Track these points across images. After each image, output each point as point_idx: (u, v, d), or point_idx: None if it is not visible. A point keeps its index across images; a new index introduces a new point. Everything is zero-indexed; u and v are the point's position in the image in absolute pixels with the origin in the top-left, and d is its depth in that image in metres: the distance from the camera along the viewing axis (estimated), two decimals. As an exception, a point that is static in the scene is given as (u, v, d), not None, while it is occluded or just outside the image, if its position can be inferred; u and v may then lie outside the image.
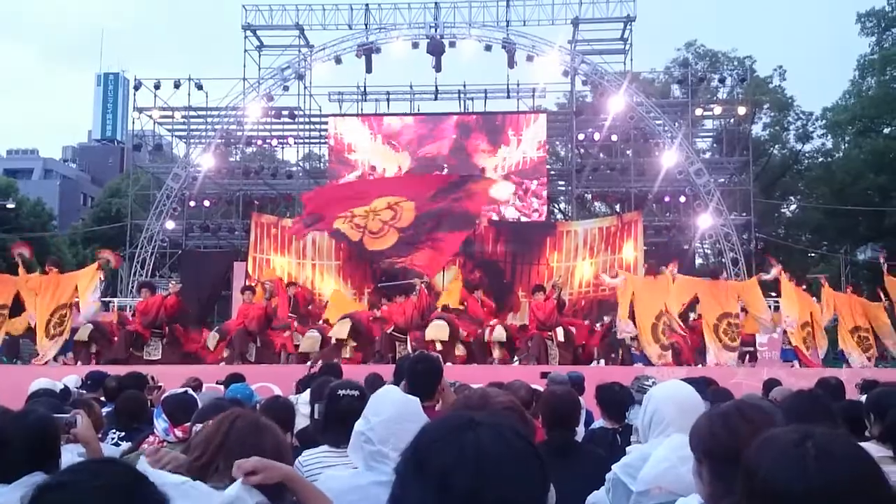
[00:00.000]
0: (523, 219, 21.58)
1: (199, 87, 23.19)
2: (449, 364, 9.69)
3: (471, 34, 22.20)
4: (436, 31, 21.98)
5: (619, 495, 2.61)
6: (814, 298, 13.28)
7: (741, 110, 23.56)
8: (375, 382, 5.00)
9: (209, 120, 23.57)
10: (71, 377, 7.69)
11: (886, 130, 30.22)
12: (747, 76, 26.99)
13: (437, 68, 22.28)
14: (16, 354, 13.00)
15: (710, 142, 28.73)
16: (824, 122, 31.96)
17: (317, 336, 12.47)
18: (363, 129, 22.51)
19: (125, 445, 4.10)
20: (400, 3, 22.62)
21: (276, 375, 9.81)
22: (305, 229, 17.42)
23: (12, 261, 12.72)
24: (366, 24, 22.79)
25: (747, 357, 12.89)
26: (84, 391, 6.73)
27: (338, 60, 22.53)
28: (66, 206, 48.17)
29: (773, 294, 13.48)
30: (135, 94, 23.93)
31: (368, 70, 22.59)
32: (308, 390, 4.78)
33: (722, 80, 25.86)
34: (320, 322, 13.75)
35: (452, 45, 22.01)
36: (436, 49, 21.68)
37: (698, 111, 23.79)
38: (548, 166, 24.10)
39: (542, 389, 5.03)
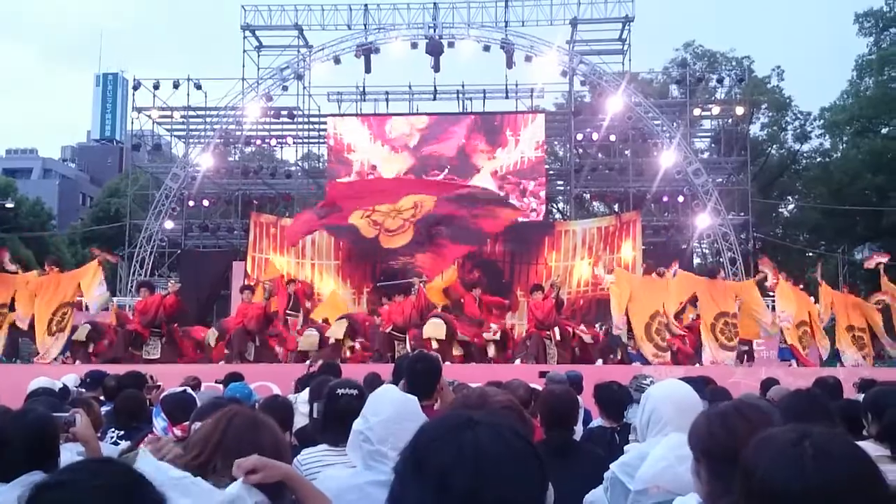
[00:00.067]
0: (521, 218, 21.59)
1: (199, 87, 23.19)
2: (448, 363, 9.69)
3: (469, 34, 22.21)
4: (434, 31, 21.98)
5: (617, 494, 2.62)
6: (812, 298, 13.30)
7: (739, 110, 23.59)
8: (374, 382, 5.00)
9: (208, 120, 23.56)
10: (70, 376, 7.69)
11: (884, 130, 30.26)
12: (745, 76, 27.03)
13: (436, 68, 22.30)
14: (15, 353, 12.99)
15: (709, 142, 28.76)
16: (822, 122, 31.98)
17: (315, 335, 12.47)
18: (362, 129, 22.51)
19: (124, 444, 4.10)
20: (399, 4, 22.65)
21: (275, 374, 9.82)
22: (300, 235, 17.45)
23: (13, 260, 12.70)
24: (365, 25, 22.79)
25: (745, 357, 12.89)
26: (83, 390, 6.73)
27: (337, 61, 22.53)
28: (65, 205, 48.16)
29: (771, 294, 13.48)
30: (134, 94, 23.97)
31: (367, 70, 22.60)
32: (307, 389, 4.78)
33: (720, 81, 25.91)
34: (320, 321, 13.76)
35: (451, 45, 22.02)
36: (434, 49, 21.69)
37: (696, 111, 23.81)
38: (546, 166, 24.11)
39: (540, 389, 5.03)
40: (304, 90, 23.72)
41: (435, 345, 11.28)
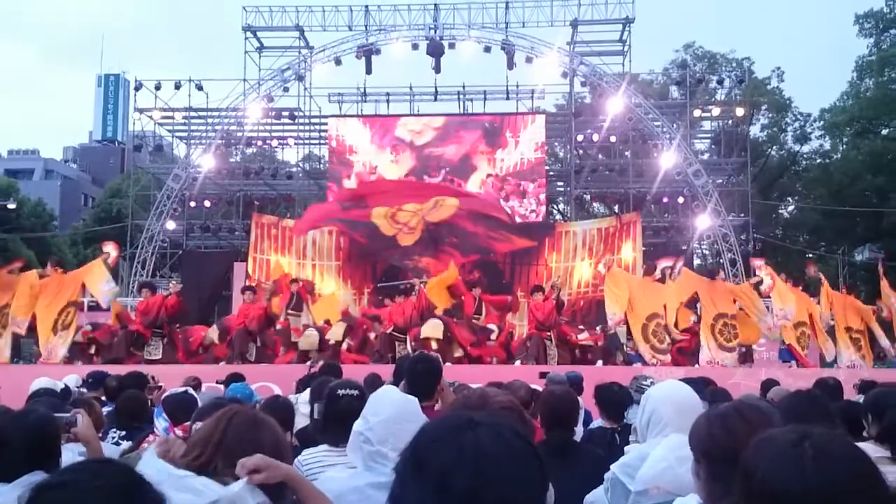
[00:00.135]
0: (518, 219, 21.61)
1: (200, 88, 23.21)
2: (448, 364, 9.69)
3: (470, 35, 22.22)
4: (435, 32, 22.00)
5: (617, 495, 2.62)
6: (813, 299, 13.29)
7: (739, 111, 23.59)
8: (375, 382, 5.01)
9: (209, 121, 23.60)
10: (71, 377, 7.69)
11: (884, 132, 30.27)
12: (745, 77, 27.02)
13: (437, 69, 22.32)
14: (16, 354, 13.00)
15: (709, 143, 28.76)
16: (822, 123, 32.00)
17: (315, 334, 12.48)
18: (364, 131, 22.53)
19: (125, 445, 4.11)
20: (400, 5, 22.68)
21: (276, 375, 9.82)
22: (316, 224, 17.71)
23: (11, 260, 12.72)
24: (365, 26, 22.81)
25: (744, 358, 12.88)
26: (85, 390, 6.74)
27: (338, 62, 22.55)
28: (67, 206, 48.16)
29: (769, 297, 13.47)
30: (135, 95, 24.01)
31: (368, 71, 22.62)
32: (308, 390, 4.79)
33: (720, 82, 25.93)
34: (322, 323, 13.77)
35: (452, 46, 22.03)
36: (435, 50, 21.70)
37: (697, 112, 23.81)
38: (547, 167, 24.13)
39: (540, 389, 5.04)
40: (305, 91, 23.76)
41: (435, 345, 11.28)
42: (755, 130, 31.91)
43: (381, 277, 18.32)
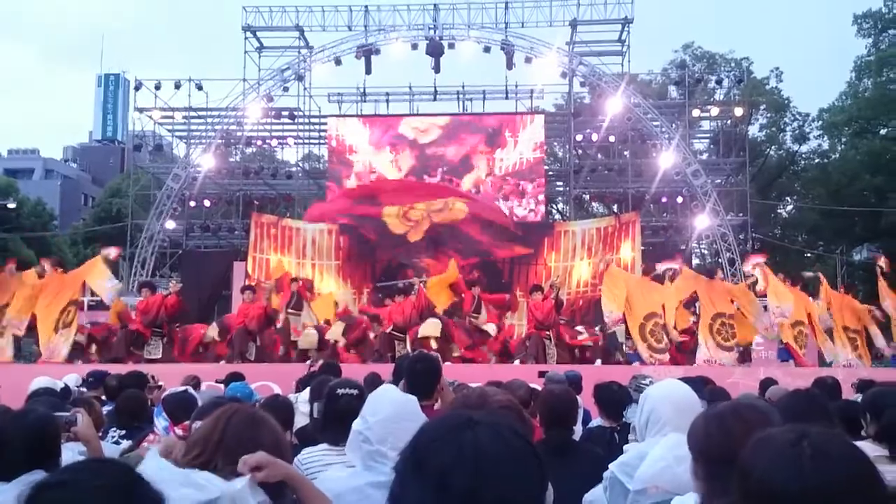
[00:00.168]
0: (517, 219, 21.64)
1: (200, 88, 23.20)
2: (448, 363, 9.70)
3: (469, 36, 22.22)
4: (435, 32, 21.99)
5: (616, 494, 2.63)
6: (811, 299, 13.29)
7: (738, 111, 23.60)
8: (375, 381, 5.01)
9: (209, 120, 23.60)
10: (71, 376, 7.68)
11: (883, 132, 30.28)
12: (744, 77, 27.08)
13: (437, 69, 22.32)
14: (16, 353, 12.98)
15: (707, 143, 28.76)
16: (821, 123, 32.02)
17: (314, 334, 12.49)
18: (364, 130, 22.53)
19: (125, 444, 4.11)
20: (399, 5, 22.68)
21: (276, 374, 9.82)
22: (326, 217, 18.41)
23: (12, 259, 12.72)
24: (365, 26, 22.81)
25: (742, 357, 12.89)
26: (84, 390, 6.74)
27: (337, 62, 22.55)
28: (67, 205, 48.14)
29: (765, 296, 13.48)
30: (135, 95, 24.00)
31: (368, 71, 22.62)
32: (307, 389, 4.79)
33: (719, 82, 25.96)
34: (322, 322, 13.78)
35: (451, 46, 22.03)
36: (435, 50, 21.70)
37: (695, 112, 23.81)
38: (546, 167, 24.14)
39: (539, 389, 5.04)
40: (304, 91, 23.76)
41: (434, 344, 11.29)
42: (754, 130, 31.97)
43: (380, 277, 18.33)
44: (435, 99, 23.60)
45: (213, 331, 12.57)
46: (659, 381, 3.24)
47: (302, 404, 4.59)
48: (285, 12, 23.48)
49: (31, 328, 12.10)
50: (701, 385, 4.72)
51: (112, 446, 3.95)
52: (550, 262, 18.80)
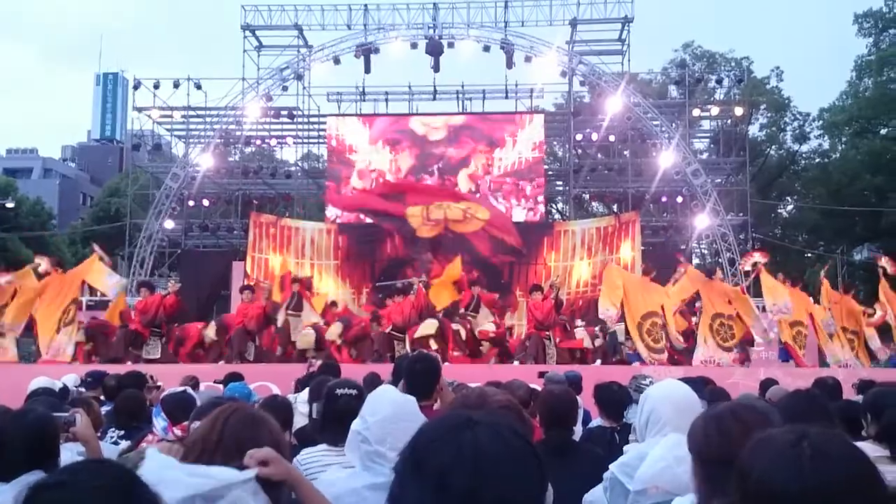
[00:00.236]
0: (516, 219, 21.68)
1: (199, 87, 23.18)
2: (447, 363, 9.70)
3: (469, 35, 22.20)
4: (434, 31, 21.98)
5: (616, 494, 2.62)
6: (812, 299, 13.28)
7: (738, 111, 23.59)
8: (374, 382, 5.01)
9: (208, 120, 23.56)
10: (70, 376, 7.68)
11: (883, 131, 30.29)
12: (744, 77, 27.05)
13: (436, 69, 22.29)
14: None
15: (707, 142, 28.76)
16: (821, 122, 32.02)
17: (312, 334, 12.48)
18: (363, 130, 22.52)
19: (124, 444, 4.11)
20: (398, 4, 22.66)
21: (275, 374, 9.82)
22: (349, 208, 19.43)
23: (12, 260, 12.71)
24: (364, 25, 22.78)
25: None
26: (83, 390, 6.73)
27: (336, 61, 22.53)
28: (66, 205, 48.17)
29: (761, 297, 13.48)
30: (134, 94, 23.97)
31: (367, 70, 22.60)
32: (306, 389, 4.79)
33: (719, 81, 25.93)
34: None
35: (451, 45, 22.02)
36: (434, 49, 21.69)
37: (695, 112, 23.80)
38: (546, 166, 24.12)
39: (539, 389, 5.04)
40: (303, 90, 23.74)
41: (433, 344, 11.28)
42: (754, 130, 31.97)
43: (379, 276, 18.35)
44: (434, 98, 23.58)
45: (210, 330, 12.56)
46: (659, 381, 3.24)
47: (301, 405, 4.59)
48: (284, 11, 23.46)
49: (28, 328, 12.10)
50: (701, 385, 4.72)
51: (111, 446, 3.94)
52: (550, 261, 18.84)
